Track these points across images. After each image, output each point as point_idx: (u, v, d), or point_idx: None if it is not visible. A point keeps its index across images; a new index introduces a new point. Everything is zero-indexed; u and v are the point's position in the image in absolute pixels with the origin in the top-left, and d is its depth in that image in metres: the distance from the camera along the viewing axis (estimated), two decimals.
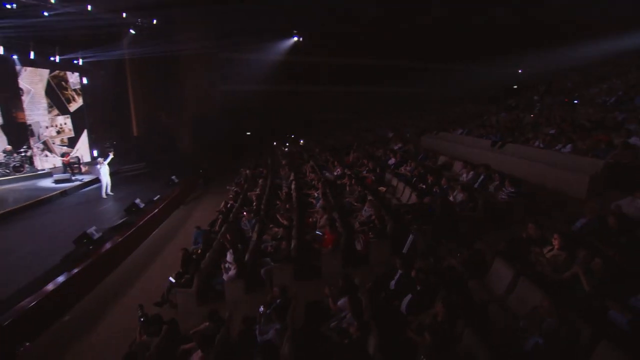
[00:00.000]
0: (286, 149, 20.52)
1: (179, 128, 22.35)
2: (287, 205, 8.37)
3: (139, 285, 7.30)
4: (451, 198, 6.58)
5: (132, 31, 16.45)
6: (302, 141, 23.24)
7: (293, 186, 10.46)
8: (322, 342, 3.67)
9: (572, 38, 16.89)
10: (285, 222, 7.23)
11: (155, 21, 17.26)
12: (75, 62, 16.62)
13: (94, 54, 16.49)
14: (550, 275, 3.83)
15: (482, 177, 7.38)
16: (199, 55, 21.69)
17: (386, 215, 6.46)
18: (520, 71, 22.92)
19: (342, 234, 6.23)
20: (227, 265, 6.17)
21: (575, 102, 11.43)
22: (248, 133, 26.80)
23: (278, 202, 9.86)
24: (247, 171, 15.80)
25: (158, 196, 12.29)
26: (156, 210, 10.79)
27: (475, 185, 7.25)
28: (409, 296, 3.88)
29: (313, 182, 11.06)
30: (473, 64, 22.90)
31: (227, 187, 12.88)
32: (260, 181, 12.56)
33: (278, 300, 4.42)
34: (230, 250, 6.55)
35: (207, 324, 4.28)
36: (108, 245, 7.98)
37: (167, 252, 9.03)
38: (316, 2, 20.27)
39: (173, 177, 14.65)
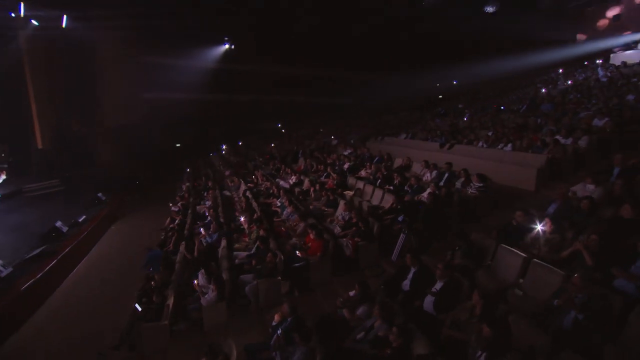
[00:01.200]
0: (229, 159, 19.32)
1: (96, 139, 19.34)
2: (255, 216, 7.70)
3: (81, 326, 5.88)
4: (426, 195, 6.81)
5: (34, 22, 13.73)
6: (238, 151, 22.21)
7: (250, 195, 9.74)
8: (357, 358, 3.29)
9: (486, 55, 19.63)
10: (262, 233, 6.58)
11: (65, 18, 14.75)
12: None
13: None
14: (549, 256, 4.12)
15: (446, 175, 7.83)
16: (119, 57, 19.26)
17: (369, 217, 6.35)
18: (438, 85, 25.64)
19: (329, 239, 5.91)
20: (202, 287, 5.31)
21: (502, 108, 13.17)
22: (178, 145, 24.73)
23: (237, 214, 9.08)
24: (187, 184, 14.42)
25: (84, 217, 10.32)
26: (85, 234, 9.01)
27: (441, 183, 7.64)
28: (433, 294, 3.76)
29: (271, 191, 10.50)
30: (401, 75, 24.83)
31: (170, 204, 11.44)
32: (208, 193, 11.48)
33: (289, 319, 3.88)
34: (202, 271, 5.70)
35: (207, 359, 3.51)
36: (25, 281, 6.30)
37: (109, 281, 7.55)
38: (247, 9, 19.82)
39: (99, 194, 12.48)
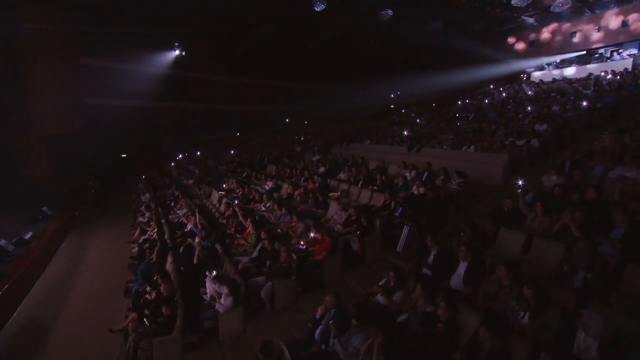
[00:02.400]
0: (191, 169, 18.28)
1: (24, 149, 16.85)
2: (249, 219, 7.51)
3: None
4: (414, 191, 7.38)
5: None
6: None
7: (235, 202, 9.45)
8: (408, 338, 3.49)
9: (432, 68, 21.72)
10: (263, 236, 6.46)
11: None
12: None
13: None
14: (543, 234, 4.82)
15: (425, 174, 8.53)
16: (55, 60, 17.21)
17: (370, 214, 6.66)
18: (392, 95, 27.52)
19: (338, 237, 6.07)
20: (217, 293, 5.06)
21: (457, 115, 14.69)
22: (124, 155, 22.75)
23: (223, 221, 8.75)
24: (147, 194, 13.43)
25: (30, 234, 9.00)
26: (37, 252, 7.89)
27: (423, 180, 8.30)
28: (462, 270, 4.16)
29: (250, 196, 10.31)
30: (354, 87, 26.10)
31: (138, 217, 10.54)
32: (180, 202, 10.83)
33: (332, 311, 3.95)
34: (210, 277, 5.44)
35: (261, 356, 3.41)
36: None
37: (77, 302, 6.73)
38: (200, 15, 19.28)
39: (44, 208, 10.96)
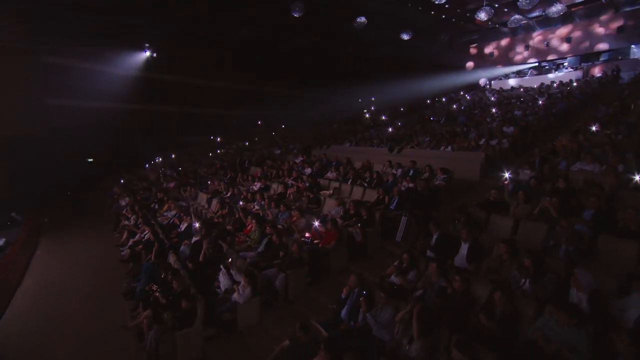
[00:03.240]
0: (168, 172, 17.74)
1: None
2: (249, 217, 7.67)
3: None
4: (402, 187, 7.96)
5: None
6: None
7: (228, 202, 9.52)
8: (430, 308, 3.93)
9: (400, 76, 22.94)
10: (269, 231, 6.68)
11: None
12: None
13: None
14: (526, 218, 5.54)
15: (411, 171, 9.17)
16: (12, 56, 16.04)
17: (369, 207, 7.12)
18: (360, 100, 28.51)
19: (343, 229, 6.45)
20: (235, 285, 5.22)
21: (432, 118, 15.71)
22: (90, 159, 21.58)
23: (218, 220, 8.79)
24: (127, 198, 13.03)
25: (4, 240, 8.47)
26: (12, 259, 7.51)
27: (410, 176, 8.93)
28: (465, 251, 4.71)
29: (241, 196, 10.39)
30: (327, 92, 26.72)
31: (122, 220, 10.21)
32: (168, 204, 10.66)
33: (356, 290, 4.31)
34: (223, 270, 5.59)
35: (300, 334, 3.67)
36: None
37: (72, 306, 6.52)
38: (171, 16, 18.96)
39: (13, 214, 10.28)
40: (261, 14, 18.44)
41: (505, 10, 19.20)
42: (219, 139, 23.79)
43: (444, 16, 20.32)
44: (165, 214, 10.40)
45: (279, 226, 7.56)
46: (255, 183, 11.86)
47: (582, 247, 4.34)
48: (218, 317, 5.13)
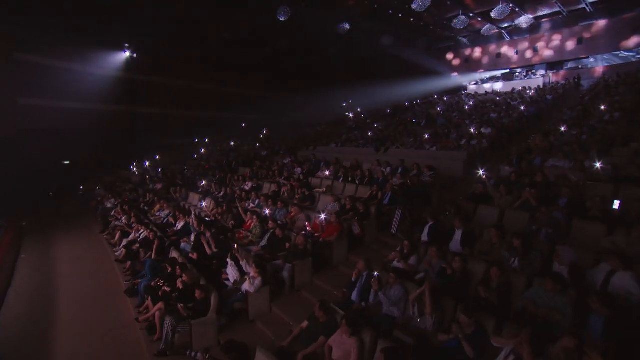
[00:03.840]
0: (153, 174, 17.41)
1: None
2: (249, 214, 7.88)
3: None
4: (394, 184, 8.46)
5: None
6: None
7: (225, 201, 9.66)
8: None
9: (384, 80, 23.77)
10: (271, 226, 6.94)
11: None
12: None
13: None
14: (509, 208, 6.14)
15: (400, 169, 9.71)
16: None
17: (365, 202, 7.54)
18: (345, 104, 29.17)
19: (344, 222, 6.82)
20: (246, 275, 5.46)
21: (415, 120, 16.47)
22: (67, 162, 20.77)
23: (215, 218, 8.92)
24: (113, 200, 12.83)
25: None
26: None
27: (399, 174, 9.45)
28: (458, 237, 5.21)
29: (235, 195, 10.55)
30: (310, 95, 27.12)
31: (115, 222, 10.09)
32: (161, 204, 10.64)
33: (365, 274, 4.69)
34: (231, 262, 5.81)
35: (320, 313, 3.99)
36: None
37: (72, 307, 6.49)
38: (152, 17, 18.77)
39: None
40: (244, 15, 18.61)
41: (479, 19, 20.46)
42: (206, 140, 23.55)
43: (422, 23, 21.31)
44: (157, 213, 10.37)
45: (279, 222, 7.85)
46: (247, 183, 12.03)
47: (560, 231, 4.94)
48: (230, 307, 5.34)
